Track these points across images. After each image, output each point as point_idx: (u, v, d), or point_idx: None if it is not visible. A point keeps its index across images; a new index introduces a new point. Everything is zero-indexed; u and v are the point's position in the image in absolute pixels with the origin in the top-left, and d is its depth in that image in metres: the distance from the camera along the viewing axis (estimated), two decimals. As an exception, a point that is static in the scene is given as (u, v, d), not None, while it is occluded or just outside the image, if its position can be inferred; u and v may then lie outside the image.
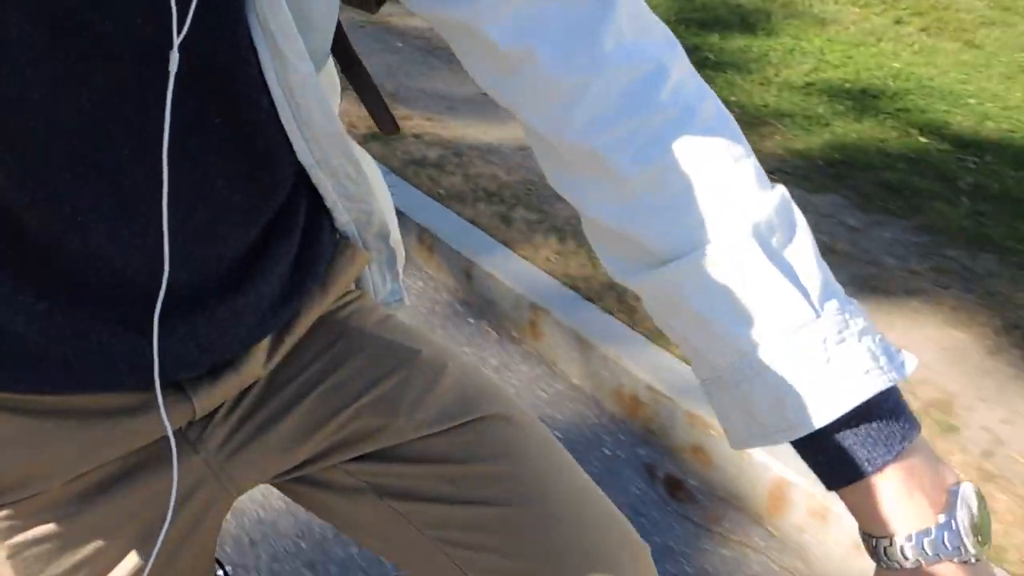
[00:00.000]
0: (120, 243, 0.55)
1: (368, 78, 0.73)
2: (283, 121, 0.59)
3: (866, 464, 0.51)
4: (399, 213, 2.41)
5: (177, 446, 0.63)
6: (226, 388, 0.66)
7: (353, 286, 0.79)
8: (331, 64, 0.71)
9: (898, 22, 4.76)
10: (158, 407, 0.60)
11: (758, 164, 0.57)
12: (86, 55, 0.49)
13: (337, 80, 0.74)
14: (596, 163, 0.56)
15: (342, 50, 0.72)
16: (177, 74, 0.51)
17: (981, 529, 0.51)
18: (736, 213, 0.54)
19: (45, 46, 0.48)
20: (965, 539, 0.50)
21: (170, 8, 0.49)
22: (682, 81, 0.57)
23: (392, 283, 0.81)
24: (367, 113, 0.76)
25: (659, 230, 0.56)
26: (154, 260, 0.56)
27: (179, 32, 0.50)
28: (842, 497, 0.54)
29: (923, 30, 4.69)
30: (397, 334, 0.75)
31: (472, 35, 0.57)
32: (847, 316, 0.53)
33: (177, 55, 0.50)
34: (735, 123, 0.58)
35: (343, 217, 0.70)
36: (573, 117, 0.56)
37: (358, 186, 0.69)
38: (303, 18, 0.56)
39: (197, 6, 0.50)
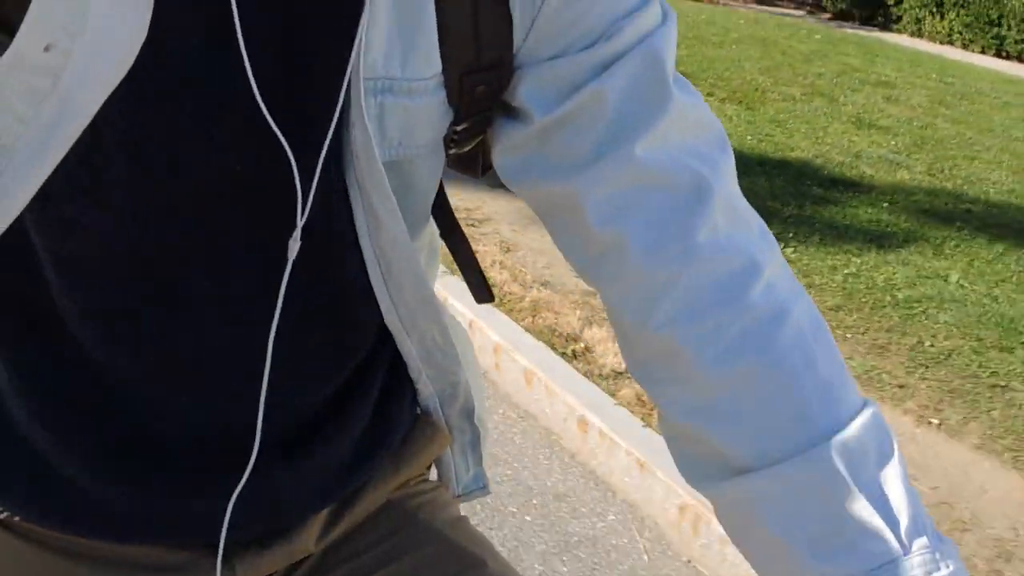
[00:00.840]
0: (189, 396, 0.55)
1: (466, 244, 0.71)
2: (372, 281, 0.58)
3: None
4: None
5: None
6: (273, 559, 0.63)
7: (431, 470, 0.75)
8: (431, 227, 0.69)
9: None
10: (197, 569, 0.57)
11: (850, 376, 0.55)
12: (199, 222, 0.51)
13: (437, 244, 0.73)
14: (676, 357, 0.54)
15: (443, 213, 0.70)
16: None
17: None
18: (822, 428, 0.51)
19: (145, 208, 0.50)
20: None
21: (292, 191, 0.50)
22: (775, 280, 0.55)
23: (475, 468, 0.77)
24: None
25: (736, 437, 0.53)
26: (223, 417, 0.55)
27: (303, 214, 0.51)
28: None
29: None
30: (466, 539, 0.71)
31: (567, 212, 0.56)
32: (938, 556, 0.49)
33: (299, 243, 0.52)
34: (828, 329, 0.56)
35: (426, 388, 0.68)
36: (658, 307, 0.54)
37: (445, 355, 0.66)
38: (402, 178, 0.56)
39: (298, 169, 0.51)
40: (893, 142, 5.77)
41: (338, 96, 0.51)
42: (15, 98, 0.45)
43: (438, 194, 0.66)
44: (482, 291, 0.73)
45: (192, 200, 0.51)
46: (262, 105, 0.49)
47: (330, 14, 0.50)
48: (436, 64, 0.54)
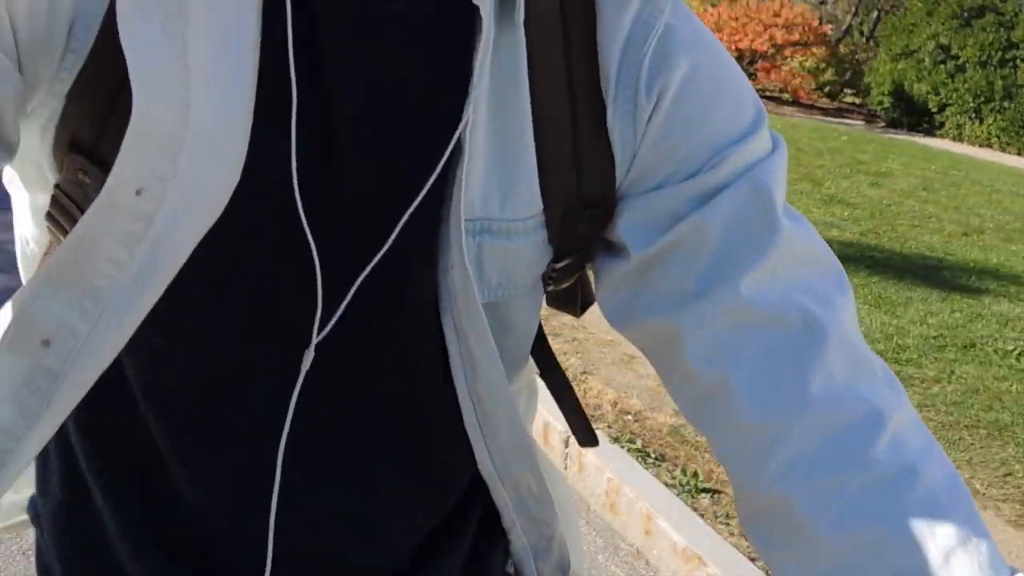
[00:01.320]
0: (281, 531, 0.55)
1: (567, 384, 0.69)
2: (467, 427, 0.57)
3: None
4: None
5: None
6: None
7: None
8: (530, 367, 0.67)
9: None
10: None
11: (992, 547, 0.46)
12: (277, 343, 0.52)
13: (536, 385, 0.70)
14: (790, 518, 0.48)
15: (542, 352, 0.67)
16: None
17: None
18: None
19: (239, 331, 0.52)
20: None
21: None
22: (903, 433, 0.49)
23: None
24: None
25: None
26: (308, 550, 0.56)
27: (319, 331, 0.51)
28: None
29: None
30: None
31: (669, 351, 0.54)
32: None
33: (312, 354, 0.51)
34: (964, 485, 0.49)
35: (519, 540, 0.64)
36: (768, 461, 0.49)
37: (541, 506, 0.63)
38: (500, 320, 0.55)
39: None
40: (847, 213, 6.71)
41: (437, 235, 0.51)
42: (110, 241, 0.45)
43: (537, 333, 0.63)
44: (585, 434, 0.69)
45: (266, 336, 0.52)
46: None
47: (428, 156, 0.50)
48: (537, 204, 0.53)
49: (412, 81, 0.51)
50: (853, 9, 19.43)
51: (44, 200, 0.50)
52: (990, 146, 12.30)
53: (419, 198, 0.50)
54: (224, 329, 0.52)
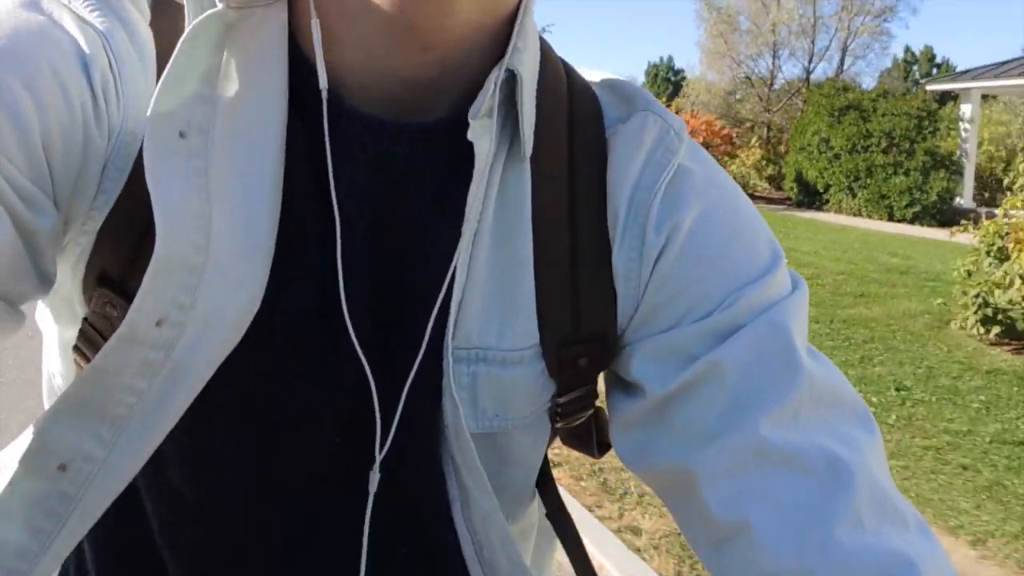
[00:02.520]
0: None
1: (572, 527, 0.66)
2: (466, 559, 0.56)
3: None
4: None
5: None
6: None
7: None
8: (535, 506, 0.66)
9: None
10: None
11: None
12: (285, 474, 0.53)
13: (541, 523, 0.68)
14: None
15: (548, 492, 0.65)
16: (372, 499, 0.53)
17: None
18: None
19: (247, 461, 0.53)
20: None
21: (372, 429, 0.51)
22: None
23: None
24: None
25: None
26: None
27: (381, 449, 0.52)
28: None
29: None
30: None
31: (685, 494, 0.52)
32: None
33: (378, 474, 0.52)
34: None
35: None
36: None
37: None
38: (498, 451, 0.56)
39: (400, 435, 0.52)
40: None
41: (427, 364, 0.52)
42: (129, 371, 0.46)
43: (542, 470, 0.63)
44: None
45: (281, 459, 0.53)
46: (371, 379, 0.51)
47: (428, 288, 0.51)
48: (534, 335, 0.53)
49: (414, 218, 0.52)
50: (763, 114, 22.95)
51: (72, 334, 0.52)
52: (861, 215, 15.14)
53: (426, 337, 0.51)
54: (236, 449, 0.53)
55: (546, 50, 0.58)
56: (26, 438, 0.49)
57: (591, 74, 0.62)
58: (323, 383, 0.52)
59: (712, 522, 0.50)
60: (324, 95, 0.49)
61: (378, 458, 0.52)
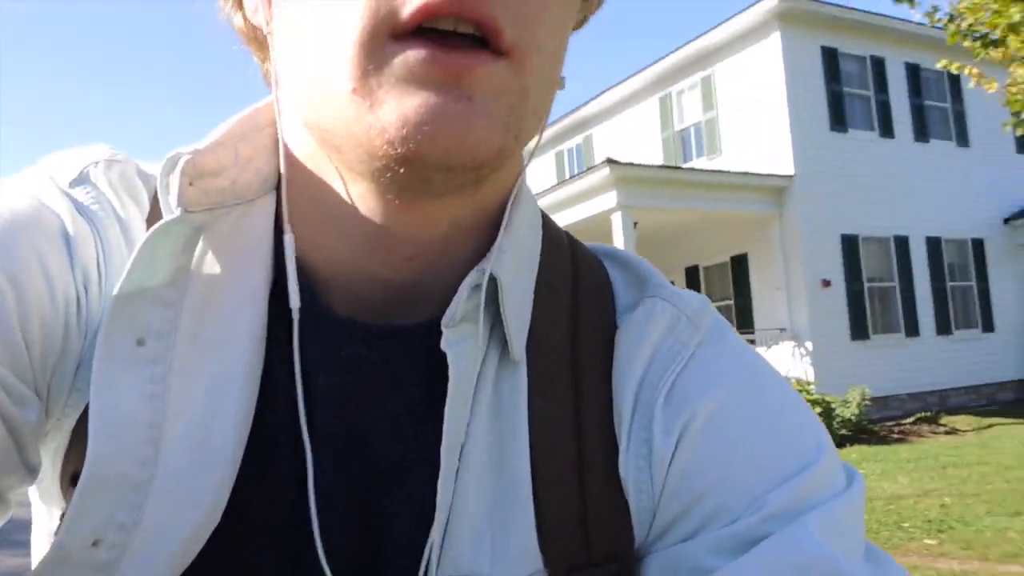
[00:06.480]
0: None
1: None
2: None
3: None
4: None
5: None
6: None
7: None
8: None
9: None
10: None
11: None
12: None
13: None
14: None
15: None
16: None
17: None
18: None
19: None
20: None
21: None
22: None
23: None
24: None
25: None
26: None
27: None
28: None
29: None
30: None
31: None
32: None
33: None
34: None
35: None
36: None
37: None
38: None
39: None
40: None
41: None
42: None
43: None
44: None
45: None
46: None
47: (410, 512, 0.48)
48: (535, 560, 0.48)
49: (391, 430, 0.49)
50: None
51: (55, 525, 0.49)
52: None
53: (400, 553, 0.48)
54: None
55: (552, 233, 0.56)
56: None
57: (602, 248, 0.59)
58: None
59: None
60: (296, 314, 0.47)
61: None
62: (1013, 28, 5.98)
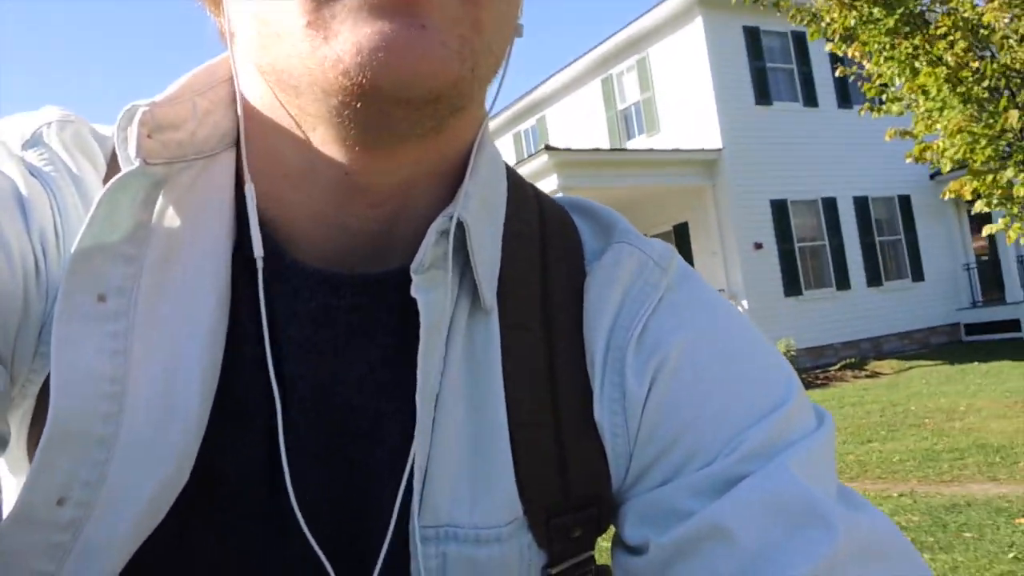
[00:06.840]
0: None
1: None
2: None
3: None
4: None
5: None
6: None
7: None
8: None
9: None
10: None
11: None
12: None
13: None
14: None
15: None
16: None
17: None
18: None
19: None
20: None
21: None
22: None
23: None
24: None
25: None
26: None
27: None
28: None
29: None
30: None
31: None
32: None
33: None
34: None
35: None
36: None
37: None
38: None
39: None
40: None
41: (384, 546, 0.47)
42: (33, 554, 0.42)
43: None
44: None
45: None
46: (321, 554, 0.46)
47: (386, 461, 0.48)
48: (515, 507, 0.49)
49: (363, 380, 0.49)
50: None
51: None
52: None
53: (376, 504, 0.47)
54: None
55: (516, 183, 0.56)
56: None
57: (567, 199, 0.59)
58: (271, 568, 0.48)
59: None
60: (260, 264, 0.47)
61: None
62: (850, 32, 6.87)
